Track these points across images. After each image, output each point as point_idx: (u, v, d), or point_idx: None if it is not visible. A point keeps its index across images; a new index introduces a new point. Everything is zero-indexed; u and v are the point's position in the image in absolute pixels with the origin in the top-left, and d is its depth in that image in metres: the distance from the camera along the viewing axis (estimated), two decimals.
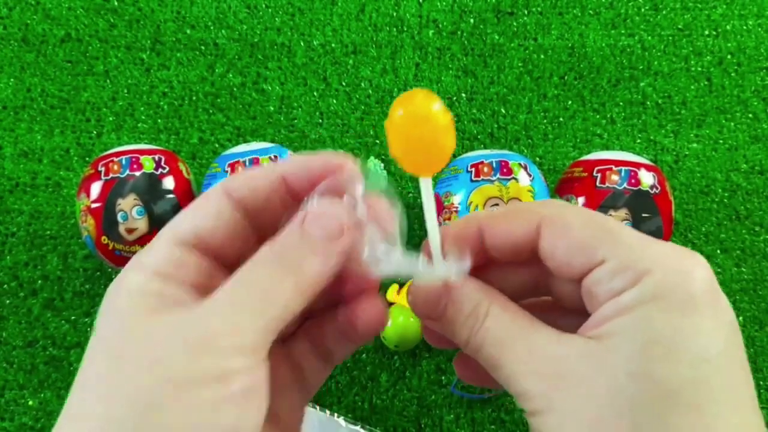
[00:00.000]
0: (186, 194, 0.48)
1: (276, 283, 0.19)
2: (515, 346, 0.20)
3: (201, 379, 0.17)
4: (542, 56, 0.60)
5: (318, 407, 0.47)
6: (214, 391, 0.17)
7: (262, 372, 0.18)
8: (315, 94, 0.59)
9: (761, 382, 0.51)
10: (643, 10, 0.62)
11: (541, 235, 0.21)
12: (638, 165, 0.48)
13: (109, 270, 0.53)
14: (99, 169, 0.47)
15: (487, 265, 0.23)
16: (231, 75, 0.59)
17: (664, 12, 0.62)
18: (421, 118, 0.20)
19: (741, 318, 0.52)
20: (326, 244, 0.19)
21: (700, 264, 0.19)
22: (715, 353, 0.18)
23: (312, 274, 0.19)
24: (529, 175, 0.48)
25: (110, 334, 0.18)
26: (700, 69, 0.60)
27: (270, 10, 0.62)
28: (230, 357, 0.17)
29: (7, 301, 0.52)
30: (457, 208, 0.46)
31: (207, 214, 0.20)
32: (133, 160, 0.47)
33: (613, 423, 0.18)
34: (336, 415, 0.47)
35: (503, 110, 0.59)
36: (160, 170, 0.47)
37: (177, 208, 0.47)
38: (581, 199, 0.47)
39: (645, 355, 0.18)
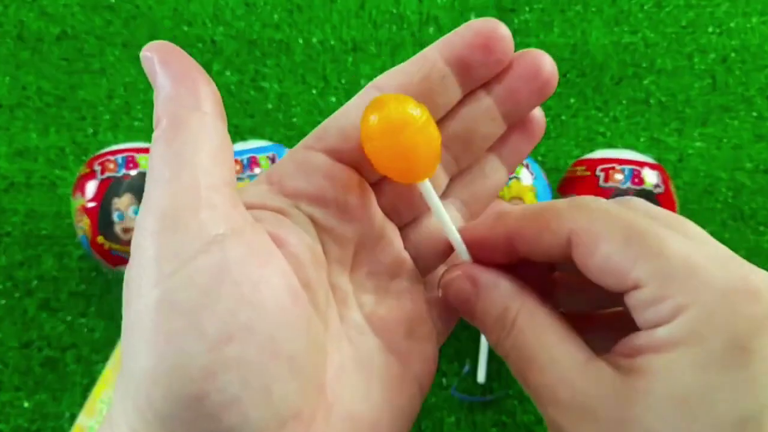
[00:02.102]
0: None
1: None
2: (538, 365, 0.18)
3: None
4: None
5: None
6: None
7: None
8: (314, 91, 0.58)
9: None
10: (646, 7, 0.61)
11: (571, 251, 0.18)
12: (642, 164, 0.47)
13: (105, 270, 0.52)
14: (94, 168, 0.46)
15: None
16: (228, 72, 0.59)
17: (667, 9, 0.61)
18: (397, 126, 0.18)
19: None
20: None
21: (756, 293, 0.15)
22: (753, 416, 0.14)
23: None
24: (532, 174, 0.47)
25: None
26: (703, 67, 0.59)
27: (268, 6, 0.61)
28: None
29: (2, 302, 0.51)
30: None
31: None
32: (129, 158, 0.46)
33: None
34: None
35: None
36: None
37: None
38: None
39: (670, 415, 0.15)
